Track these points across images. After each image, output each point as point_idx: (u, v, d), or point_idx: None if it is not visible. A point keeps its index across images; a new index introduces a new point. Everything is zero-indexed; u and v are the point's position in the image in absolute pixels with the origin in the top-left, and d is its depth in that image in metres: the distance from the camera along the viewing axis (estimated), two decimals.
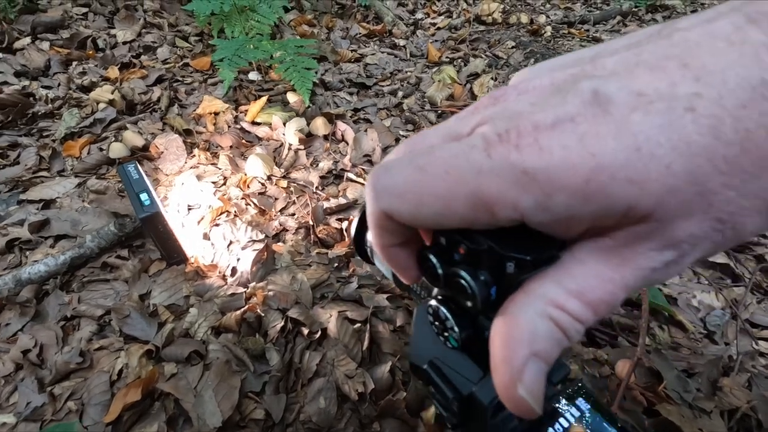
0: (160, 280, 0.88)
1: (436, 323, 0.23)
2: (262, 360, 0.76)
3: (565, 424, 0.24)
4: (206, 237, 0.98)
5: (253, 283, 0.88)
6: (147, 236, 0.94)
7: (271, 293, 0.85)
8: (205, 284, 0.88)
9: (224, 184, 1.14)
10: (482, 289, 0.18)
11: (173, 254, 0.90)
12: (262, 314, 0.81)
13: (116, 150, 1.17)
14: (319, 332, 0.79)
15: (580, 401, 0.25)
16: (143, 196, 0.85)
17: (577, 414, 0.25)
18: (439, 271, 0.20)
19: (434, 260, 0.21)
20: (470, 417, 0.24)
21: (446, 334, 0.22)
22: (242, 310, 0.80)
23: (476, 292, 0.18)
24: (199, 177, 1.14)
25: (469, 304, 0.19)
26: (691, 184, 0.14)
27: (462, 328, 0.21)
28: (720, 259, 0.98)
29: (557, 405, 0.25)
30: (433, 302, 0.22)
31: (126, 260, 0.92)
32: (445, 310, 0.22)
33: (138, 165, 0.93)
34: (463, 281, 0.19)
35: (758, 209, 0.15)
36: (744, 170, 0.14)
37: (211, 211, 1.02)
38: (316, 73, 1.69)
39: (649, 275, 0.16)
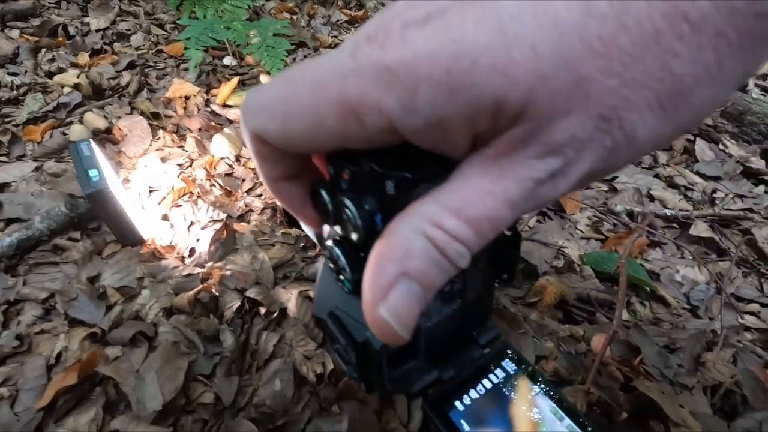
0: (112, 262, 0.83)
1: (332, 266, 0.21)
2: (215, 342, 0.71)
3: (488, 385, 0.24)
4: (165, 218, 0.94)
5: (210, 263, 0.83)
6: (97, 216, 0.89)
7: (229, 273, 0.80)
8: (160, 265, 0.83)
9: (190, 166, 1.10)
10: (365, 216, 0.17)
11: (127, 235, 0.85)
12: (218, 294, 0.76)
13: (77, 132, 1.12)
14: (278, 312, 0.75)
15: (507, 362, 0.25)
16: (92, 173, 0.80)
17: (502, 375, 0.24)
18: (329, 206, 0.19)
19: (324, 193, 0.19)
20: (367, 365, 0.22)
21: (341, 277, 0.20)
22: (196, 290, 0.76)
23: (358, 219, 0.17)
24: (163, 159, 1.09)
25: (355, 236, 0.18)
26: (562, 68, 0.12)
27: (353, 268, 0.19)
28: (705, 233, 0.94)
29: (484, 366, 0.25)
30: (329, 242, 0.20)
31: (77, 242, 0.87)
32: (338, 251, 0.20)
33: (92, 143, 0.88)
34: (347, 210, 0.17)
35: (648, 103, 0.13)
36: (623, 51, 0.12)
37: (172, 192, 0.98)
38: (290, 54, 1.64)
39: (534, 188, 0.14)
